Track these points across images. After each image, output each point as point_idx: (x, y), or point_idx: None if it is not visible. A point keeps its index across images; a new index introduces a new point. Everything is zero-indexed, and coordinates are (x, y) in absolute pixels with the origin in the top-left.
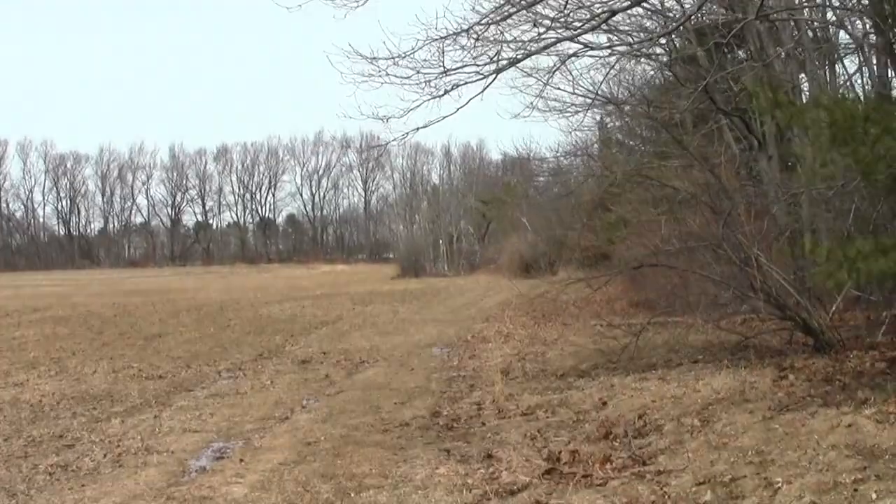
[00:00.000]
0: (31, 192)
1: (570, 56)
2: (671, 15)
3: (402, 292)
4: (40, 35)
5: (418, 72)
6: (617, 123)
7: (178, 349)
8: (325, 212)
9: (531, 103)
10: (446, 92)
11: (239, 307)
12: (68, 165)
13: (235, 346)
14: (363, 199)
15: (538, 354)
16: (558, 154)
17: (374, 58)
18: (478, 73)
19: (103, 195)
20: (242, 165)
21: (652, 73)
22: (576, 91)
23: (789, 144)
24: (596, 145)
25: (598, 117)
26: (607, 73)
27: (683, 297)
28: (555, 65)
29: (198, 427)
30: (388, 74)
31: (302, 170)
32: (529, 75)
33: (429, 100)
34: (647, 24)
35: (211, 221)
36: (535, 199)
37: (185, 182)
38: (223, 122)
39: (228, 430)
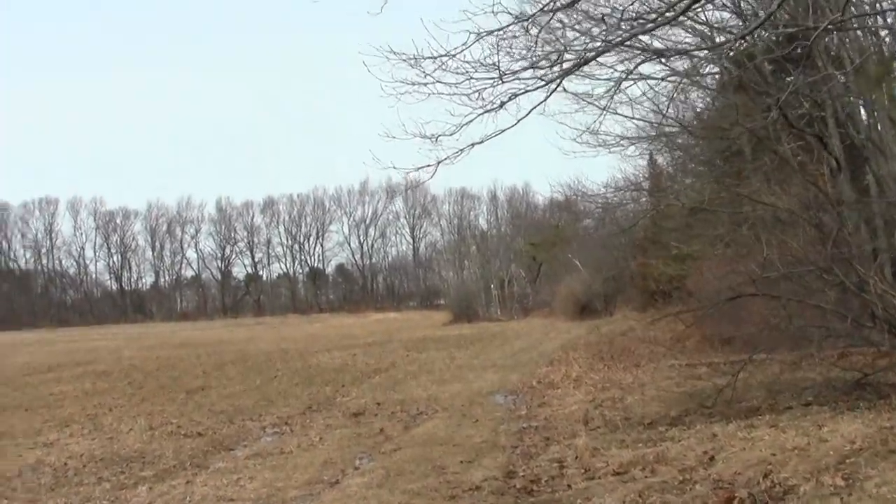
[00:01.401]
0: (82, 248)
1: (628, 75)
2: (732, 31)
3: (457, 337)
4: (84, 92)
5: (470, 77)
6: (669, 157)
7: (221, 403)
8: (373, 260)
9: (585, 131)
10: (503, 104)
11: (287, 357)
12: (118, 221)
13: (282, 398)
14: (411, 247)
15: (616, 400)
16: (609, 189)
17: (418, 57)
18: (539, 78)
19: (153, 250)
20: (289, 217)
21: (707, 99)
22: (634, 116)
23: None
24: (645, 182)
25: (648, 153)
26: (672, 94)
27: (784, 329)
28: (610, 89)
29: (234, 495)
30: (435, 82)
31: (349, 219)
32: (582, 105)
33: (482, 113)
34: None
35: (261, 273)
36: (585, 238)
37: (233, 235)
38: (268, 175)
39: (269, 499)
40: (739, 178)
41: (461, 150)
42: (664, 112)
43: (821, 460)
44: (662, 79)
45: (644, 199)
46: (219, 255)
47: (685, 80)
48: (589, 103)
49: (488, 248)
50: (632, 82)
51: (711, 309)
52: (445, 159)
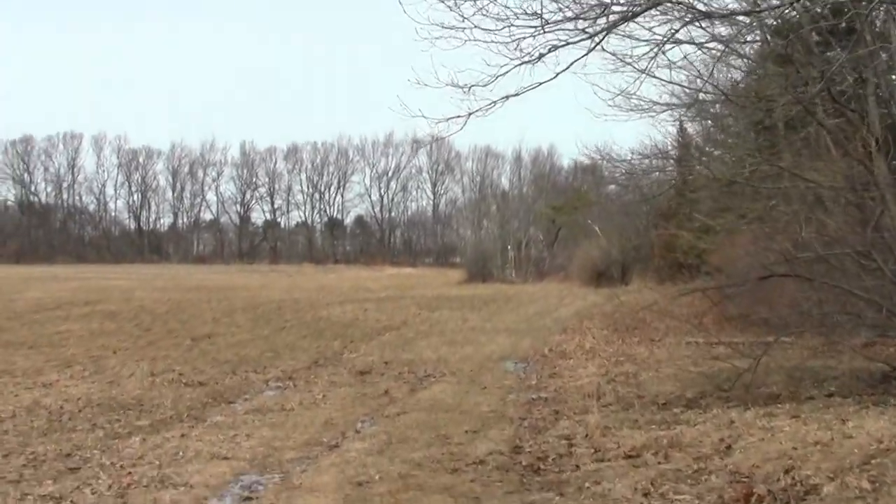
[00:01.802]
0: (103, 185)
1: (672, 36)
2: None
3: (471, 298)
4: (116, 27)
5: (510, 25)
6: (701, 127)
7: (227, 351)
8: (392, 214)
9: (619, 94)
10: (541, 56)
11: (298, 308)
12: (140, 160)
13: (289, 350)
14: (432, 203)
15: (630, 376)
16: (636, 156)
17: None
18: (583, 31)
19: (174, 190)
20: (312, 165)
21: (745, 70)
22: (672, 80)
23: None
24: (673, 151)
25: (678, 122)
26: (715, 61)
27: (813, 314)
28: (651, 49)
29: (229, 452)
30: (473, 27)
31: (371, 171)
32: (619, 65)
33: (519, 64)
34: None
35: (279, 220)
36: (608, 205)
37: (254, 180)
38: (295, 121)
39: (265, 459)
40: (772, 153)
41: (494, 101)
42: (705, 78)
43: (845, 458)
44: (701, 45)
45: (671, 169)
46: (239, 199)
47: (726, 48)
48: (627, 63)
49: (508, 208)
50: (672, 45)
51: (741, 287)
52: (477, 111)
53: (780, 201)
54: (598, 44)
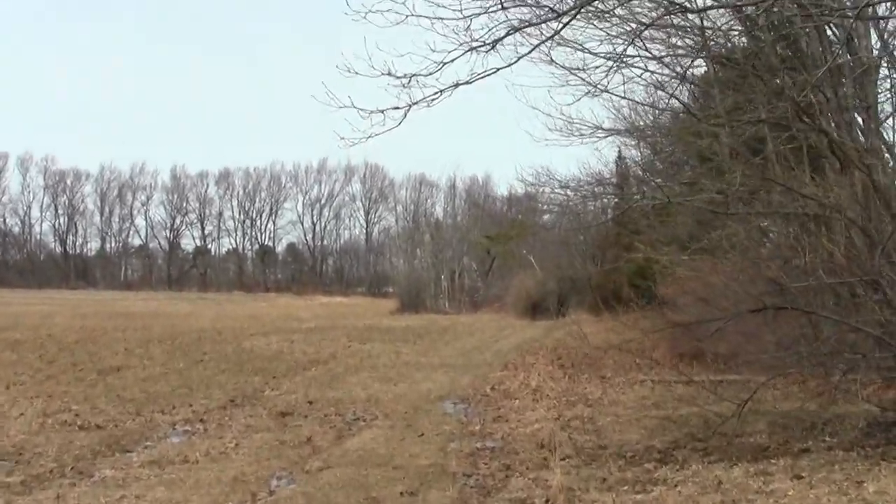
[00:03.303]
0: (29, 207)
1: (629, 44)
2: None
3: (404, 329)
4: (47, 48)
5: None
6: (640, 153)
7: (135, 388)
8: (325, 242)
9: (562, 119)
10: (496, 42)
11: (220, 339)
12: (68, 182)
13: (204, 387)
14: (365, 231)
15: (585, 420)
16: (577, 182)
17: None
18: (551, 9)
19: (102, 214)
20: (244, 191)
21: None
22: (626, 95)
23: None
24: (612, 178)
25: (618, 149)
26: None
27: (802, 352)
28: (610, 68)
29: None
30: None
31: (304, 198)
32: (568, 79)
33: (469, 50)
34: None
35: (210, 246)
36: (544, 235)
37: (185, 205)
38: (227, 146)
39: None
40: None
41: (441, 90)
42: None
43: None
44: (660, 58)
45: (609, 197)
46: (168, 224)
47: (676, 73)
48: (577, 76)
49: (442, 237)
50: (623, 64)
51: (729, 320)
52: (420, 101)
53: (755, 228)
54: (565, 25)
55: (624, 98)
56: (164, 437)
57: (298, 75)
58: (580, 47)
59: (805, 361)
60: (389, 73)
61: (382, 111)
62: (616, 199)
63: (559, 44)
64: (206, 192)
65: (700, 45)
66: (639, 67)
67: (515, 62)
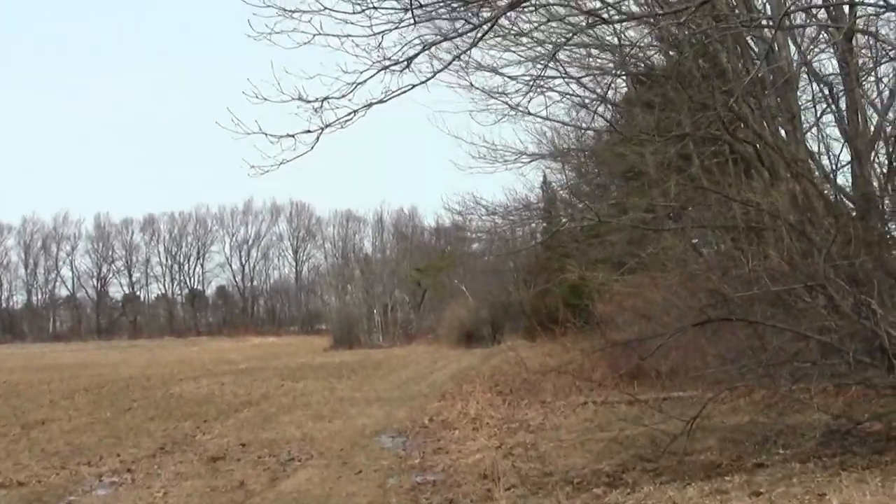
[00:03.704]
0: None
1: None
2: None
3: (338, 365)
4: None
5: (371, 7)
6: (565, 176)
7: (60, 440)
8: (255, 283)
9: (485, 144)
10: (410, 61)
11: (148, 385)
12: None
13: (133, 435)
14: (294, 270)
15: (528, 447)
16: (503, 209)
17: None
18: (466, 21)
19: (26, 267)
20: (170, 236)
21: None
22: (549, 117)
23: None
24: (538, 203)
25: (542, 174)
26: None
27: (743, 363)
28: (529, 89)
29: None
30: (322, 11)
31: (231, 240)
32: (488, 103)
33: (383, 69)
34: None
35: (139, 293)
36: (473, 264)
37: (111, 253)
38: (150, 191)
39: None
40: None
41: (355, 110)
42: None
43: None
44: (578, 79)
45: (536, 223)
46: (95, 273)
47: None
48: (497, 99)
49: (372, 272)
50: (542, 87)
51: (671, 335)
52: (334, 123)
53: (689, 241)
54: (481, 37)
55: (548, 119)
56: (90, 490)
57: (216, 114)
58: (498, 71)
59: (752, 373)
60: (300, 98)
61: (293, 135)
62: (544, 224)
63: (477, 68)
64: (131, 239)
65: (619, 63)
66: (558, 91)
67: (432, 77)
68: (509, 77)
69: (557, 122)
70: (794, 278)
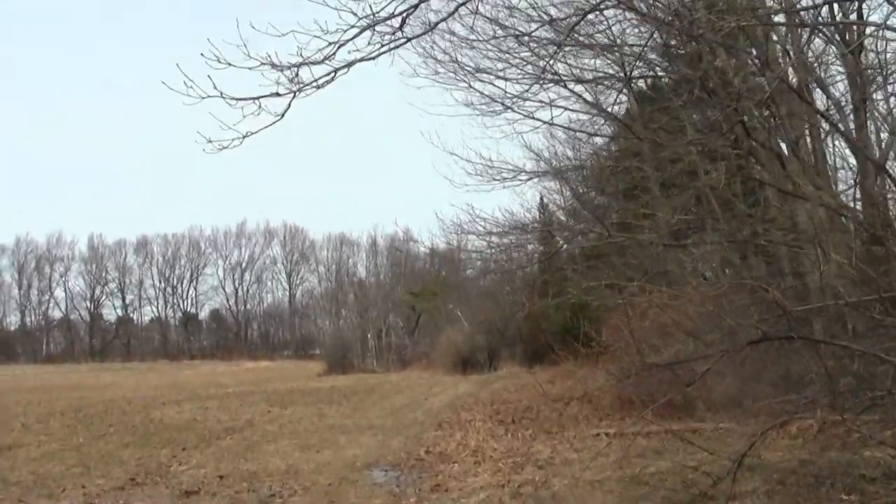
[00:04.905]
0: None
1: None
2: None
3: (329, 390)
4: None
5: None
6: (561, 197)
7: (25, 468)
8: (248, 306)
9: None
10: (408, 13)
11: (129, 408)
12: None
13: (103, 463)
14: (288, 294)
15: (539, 486)
16: (500, 228)
17: None
18: None
19: (20, 288)
20: (163, 258)
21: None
22: (554, 122)
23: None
24: (534, 224)
25: (539, 195)
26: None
27: (808, 392)
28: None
29: None
30: None
31: (224, 262)
32: (491, 106)
33: (370, 27)
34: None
35: (132, 315)
36: (469, 288)
37: (104, 275)
38: (144, 212)
39: None
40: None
41: (336, 69)
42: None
43: None
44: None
45: (533, 245)
46: (88, 295)
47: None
48: (506, 106)
49: (366, 296)
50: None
51: (722, 357)
52: (310, 84)
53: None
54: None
55: (552, 124)
56: None
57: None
58: (500, 75)
59: (814, 402)
60: (271, 64)
61: (257, 99)
62: (541, 247)
63: (477, 71)
64: (124, 260)
65: (622, 79)
66: (559, 105)
67: (426, 33)
68: (509, 78)
69: (563, 126)
70: (865, 290)
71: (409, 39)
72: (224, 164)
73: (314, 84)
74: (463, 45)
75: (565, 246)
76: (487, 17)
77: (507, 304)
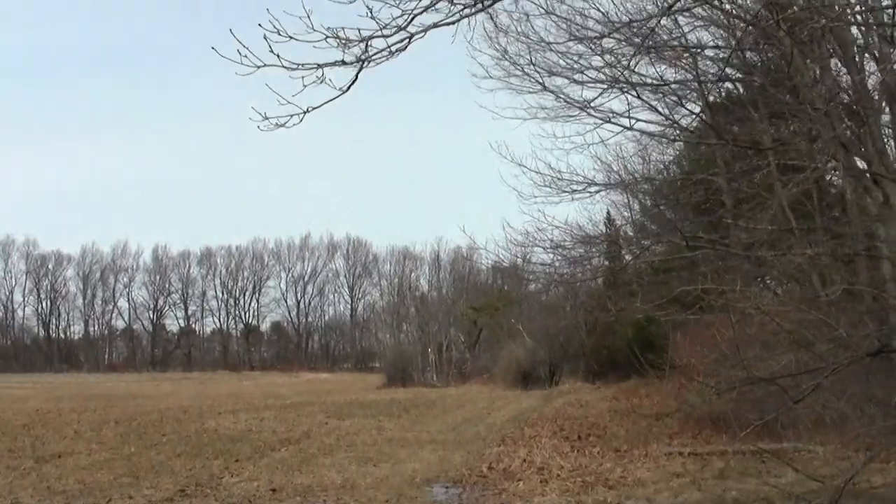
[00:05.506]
0: (11, 292)
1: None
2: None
3: (389, 403)
4: (25, 135)
5: None
6: (629, 212)
7: (72, 477)
8: (310, 319)
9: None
10: None
11: (183, 418)
12: (50, 266)
13: (153, 473)
14: (349, 307)
15: None
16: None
17: None
18: None
19: (84, 297)
20: (227, 270)
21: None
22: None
23: None
24: (601, 239)
25: (606, 209)
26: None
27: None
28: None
29: None
30: None
31: (287, 275)
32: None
33: None
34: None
35: (194, 326)
36: (532, 302)
37: (167, 286)
38: (209, 224)
39: None
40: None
41: (412, 34)
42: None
43: None
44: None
45: (596, 261)
46: (151, 305)
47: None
48: (582, 108)
49: (428, 310)
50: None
51: (834, 371)
52: (378, 54)
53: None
54: None
55: (633, 129)
56: None
57: (281, 154)
58: (575, 78)
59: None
60: (337, 37)
61: (321, 67)
62: (606, 261)
63: (551, 74)
64: (188, 272)
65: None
66: (633, 117)
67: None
68: (584, 81)
69: (643, 132)
70: None
71: (490, 4)
72: (289, 175)
73: (387, 50)
74: (537, 47)
75: (633, 260)
76: (562, 17)
77: (570, 319)
